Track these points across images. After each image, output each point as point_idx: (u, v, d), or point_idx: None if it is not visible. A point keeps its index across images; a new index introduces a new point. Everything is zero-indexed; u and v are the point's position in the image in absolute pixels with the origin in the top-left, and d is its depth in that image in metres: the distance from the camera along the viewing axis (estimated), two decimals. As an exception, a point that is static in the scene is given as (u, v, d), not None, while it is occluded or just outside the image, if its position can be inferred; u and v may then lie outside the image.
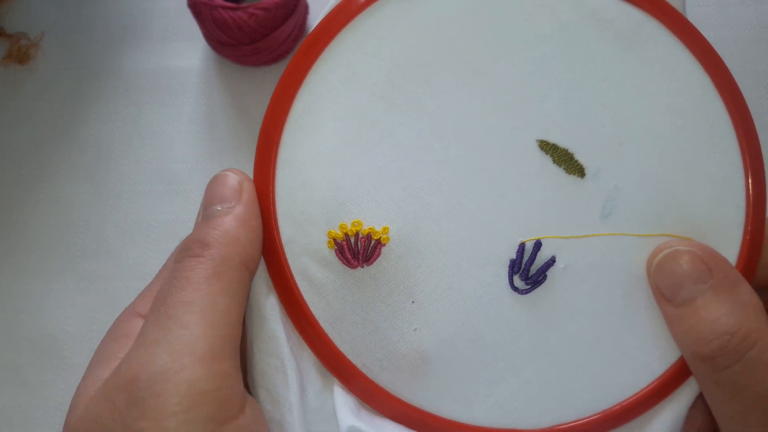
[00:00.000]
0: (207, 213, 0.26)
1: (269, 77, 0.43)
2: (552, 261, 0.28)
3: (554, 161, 0.28)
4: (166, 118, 0.44)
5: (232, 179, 0.27)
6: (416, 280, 0.28)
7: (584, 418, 0.28)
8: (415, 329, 0.28)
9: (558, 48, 0.28)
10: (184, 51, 0.45)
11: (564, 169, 0.28)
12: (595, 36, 0.28)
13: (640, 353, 0.28)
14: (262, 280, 0.28)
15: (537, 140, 0.28)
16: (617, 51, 0.28)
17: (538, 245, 0.28)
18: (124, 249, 0.42)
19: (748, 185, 0.28)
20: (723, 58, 0.34)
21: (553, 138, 0.28)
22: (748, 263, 0.28)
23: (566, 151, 0.28)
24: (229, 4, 0.39)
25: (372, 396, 0.28)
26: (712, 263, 0.26)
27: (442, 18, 0.28)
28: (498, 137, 0.28)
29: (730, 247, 0.28)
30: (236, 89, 0.44)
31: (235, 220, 0.26)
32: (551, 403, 0.28)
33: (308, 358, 0.28)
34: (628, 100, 0.28)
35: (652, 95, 0.28)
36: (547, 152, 0.28)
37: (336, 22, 0.28)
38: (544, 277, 0.28)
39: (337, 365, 0.28)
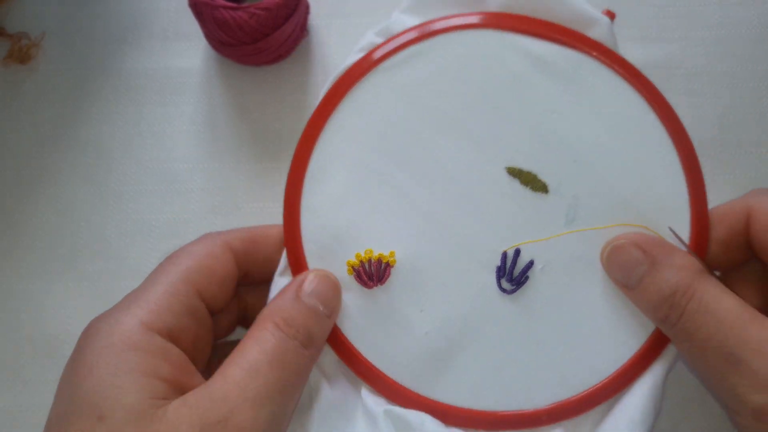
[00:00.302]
0: (310, 302, 0.31)
1: (270, 77, 0.43)
2: (531, 264, 0.34)
3: (522, 182, 0.34)
4: (167, 118, 0.44)
5: (338, 285, 0.33)
6: (422, 292, 0.34)
7: (578, 395, 0.33)
8: (426, 333, 0.33)
9: (513, 92, 0.35)
10: (185, 51, 0.45)
11: (530, 188, 0.34)
12: (542, 77, 0.35)
13: (618, 332, 0.33)
14: None
15: (505, 167, 0.34)
16: (562, 86, 0.35)
17: (517, 252, 0.34)
18: (125, 249, 0.42)
19: (687, 176, 0.34)
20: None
21: (518, 164, 0.34)
22: (700, 241, 0.34)
23: (530, 173, 0.34)
24: (230, 3, 0.39)
25: (397, 394, 0.33)
26: (644, 245, 0.31)
27: (418, 81, 0.35)
28: (474, 170, 0.34)
29: (680, 230, 0.34)
30: (237, 89, 0.44)
31: (331, 326, 0.32)
32: (548, 384, 0.33)
33: (332, 363, 0.34)
34: (575, 124, 0.35)
35: (595, 117, 0.35)
36: (515, 176, 0.34)
37: (337, 93, 0.35)
38: (527, 278, 0.33)
39: (365, 371, 0.33)
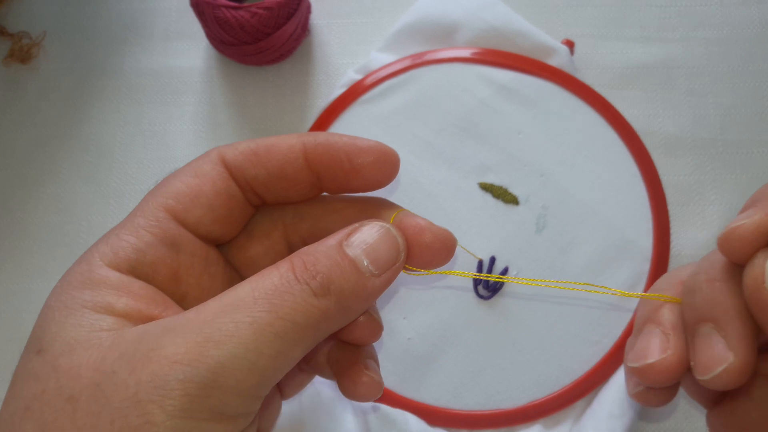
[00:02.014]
0: (352, 253, 0.23)
1: (271, 77, 0.43)
2: (505, 270, 0.36)
3: (494, 196, 0.37)
4: (169, 118, 0.44)
5: (399, 244, 0.25)
6: (405, 301, 0.35)
7: (554, 393, 0.34)
8: (409, 338, 0.35)
9: (481, 116, 0.38)
10: (187, 50, 0.45)
11: (502, 200, 0.37)
12: (507, 103, 0.38)
13: (590, 333, 0.35)
14: None
15: (478, 183, 0.37)
16: (525, 110, 0.38)
17: (492, 260, 0.36)
18: (126, 248, 0.42)
19: (646, 184, 0.38)
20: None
21: (489, 180, 0.37)
22: (661, 240, 0.37)
23: (501, 187, 0.37)
24: (231, 3, 0.39)
25: (383, 396, 0.34)
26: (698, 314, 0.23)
27: (393, 110, 0.38)
28: (449, 186, 0.37)
29: (643, 235, 0.37)
30: (238, 89, 0.44)
31: (380, 289, 0.24)
32: (525, 384, 0.35)
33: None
34: (540, 142, 0.38)
35: (558, 135, 0.38)
36: (487, 191, 0.37)
37: (322, 125, 0.38)
38: (502, 284, 0.36)
39: None
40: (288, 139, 0.25)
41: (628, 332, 0.35)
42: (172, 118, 0.44)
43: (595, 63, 0.44)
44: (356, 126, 0.39)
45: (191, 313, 0.21)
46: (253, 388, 0.20)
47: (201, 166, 0.25)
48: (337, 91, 0.40)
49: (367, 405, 0.33)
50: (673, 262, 0.40)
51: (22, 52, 0.44)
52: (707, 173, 0.42)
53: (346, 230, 0.24)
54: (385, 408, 0.33)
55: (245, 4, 0.40)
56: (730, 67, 0.44)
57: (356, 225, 0.24)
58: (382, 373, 0.31)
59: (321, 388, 0.34)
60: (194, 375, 0.19)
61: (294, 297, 0.21)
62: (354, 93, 0.39)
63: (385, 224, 0.25)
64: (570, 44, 0.41)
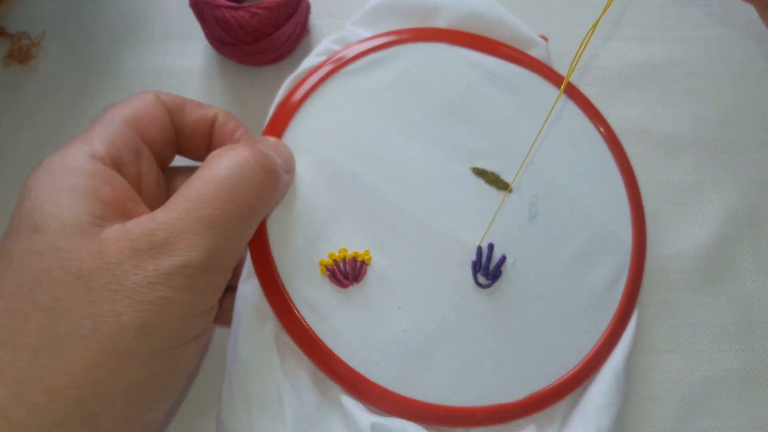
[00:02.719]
0: (287, 163, 0.31)
1: (271, 77, 0.43)
2: (503, 258, 0.34)
3: (486, 182, 0.36)
4: (168, 118, 0.44)
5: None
6: (399, 290, 0.33)
7: (551, 384, 0.34)
8: (404, 330, 0.33)
9: (470, 99, 0.37)
10: (186, 50, 0.45)
11: (495, 187, 0.36)
12: (494, 88, 0.38)
13: (582, 322, 0.35)
14: (253, 311, 0.32)
15: (470, 167, 0.36)
16: (512, 98, 0.38)
17: (491, 247, 0.34)
18: (126, 249, 0.42)
19: (623, 178, 0.38)
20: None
21: (481, 165, 0.36)
22: (640, 232, 0.38)
23: (493, 173, 0.36)
24: (231, 3, 0.39)
25: (377, 397, 0.32)
26: None
27: (381, 85, 0.36)
28: (441, 169, 0.35)
29: (623, 227, 0.37)
30: (238, 89, 0.44)
31: (288, 185, 0.33)
32: (523, 376, 0.34)
33: (304, 377, 0.32)
34: (527, 132, 0.37)
35: (545, 126, 0.37)
36: (479, 176, 0.36)
37: (300, 93, 0.36)
38: (500, 272, 0.34)
39: (342, 375, 0.32)
40: (205, 108, 0.33)
41: (615, 323, 0.35)
42: (171, 119, 0.44)
43: (595, 63, 0.44)
44: (341, 98, 0.36)
45: (162, 211, 0.25)
46: (230, 268, 0.26)
47: (145, 97, 0.30)
48: (314, 59, 0.37)
49: (363, 420, 0.31)
50: (673, 262, 0.40)
51: (22, 53, 0.44)
52: (707, 173, 0.42)
53: (253, 139, 0.31)
54: (381, 422, 0.31)
55: (245, 4, 0.40)
56: (730, 67, 0.44)
57: (259, 138, 0.32)
58: (376, 370, 0.32)
59: (304, 405, 0.31)
60: (190, 260, 0.24)
61: (250, 172, 0.27)
62: (336, 62, 0.37)
63: (277, 139, 0.32)
64: (545, 39, 0.41)
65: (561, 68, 0.41)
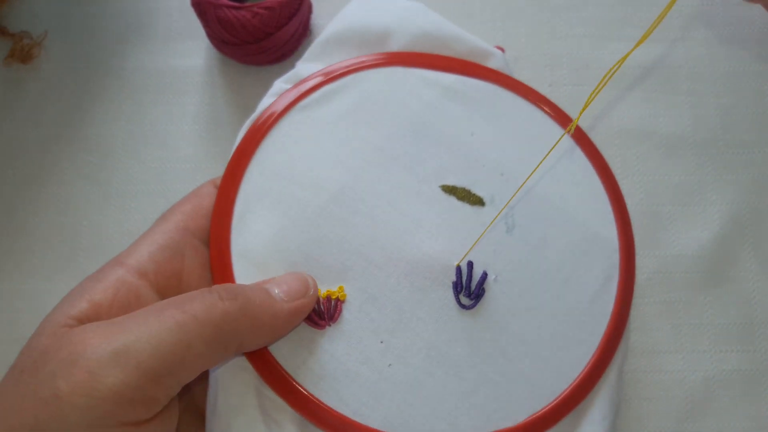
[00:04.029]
0: (263, 285, 0.30)
1: (273, 77, 0.43)
2: (485, 275, 0.33)
3: (458, 198, 0.35)
4: (170, 118, 0.44)
5: (307, 279, 0.31)
6: (380, 322, 0.32)
7: (552, 402, 0.32)
8: (389, 365, 0.31)
9: (431, 118, 0.36)
10: (188, 50, 0.45)
11: (467, 202, 0.35)
12: (454, 104, 0.37)
13: (575, 332, 0.33)
14: (230, 365, 0.31)
15: (439, 186, 0.35)
16: (474, 111, 0.37)
17: (470, 265, 0.33)
18: (128, 248, 0.42)
19: (599, 174, 0.37)
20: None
21: (450, 182, 0.35)
22: (624, 228, 0.36)
23: (464, 189, 0.35)
24: (233, 3, 0.39)
25: None
26: None
27: (336, 115, 0.35)
28: (409, 191, 0.34)
29: (606, 226, 0.36)
30: (240, 89, 0.44)
31: (286, 311, 0.30)
32: (522, 396, 0.32)
33: (290, 429, 0.30)
34: (494, 142, 0.36)
35: (509, 135, 0.37)
36: (450, 193, 0.35)
37: (257, 133, 0.34)
38: (483, 290, 0.33)
39: (329, 421, 0.30)
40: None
41: (612, 327, 0.33)
42: (173, 118, 0.44)
43: (596, 63, 0.44)
44: (300, 132, 0.35)
45: (119, 317, 0.25)
46: (153, 371, 0.23)
47: (203, 191, 0.32)
48: (267, 99, 0.36)
49: None
50: (676, 263, 0.40)
51: (23, 52, 0.44)
52: (708, 173, 0.42)
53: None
54: None
55: (246, 3, 0.40)
56: (731, 68, 0.44)
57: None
58: (364, 411, 0.30)
59: None
60: (99, 354, 0.23)
61: (202, 300, 0.26)
62: (291, 98, 0.36)
63: (297, 272, 0.31)
64: (502, 50, 0.40)
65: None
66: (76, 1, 0.46)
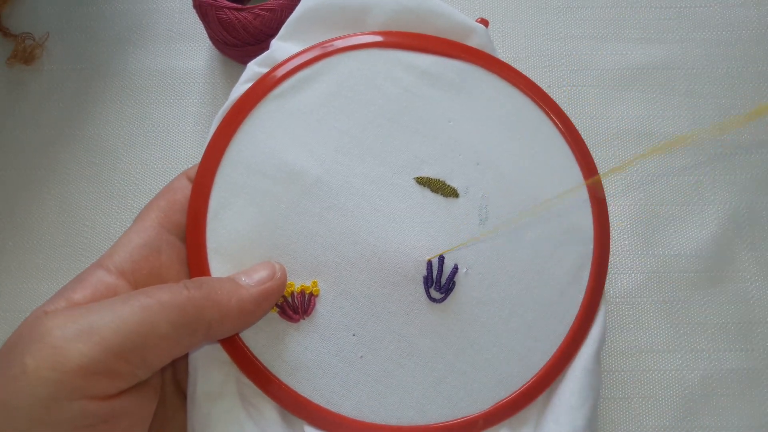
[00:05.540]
0: (234, 276, 0.31)
1: (274, 77, 0.44)
2: (456, 269, 0.33)
3: (432, 190, 0.34)
4: (171, 119, 0.44)
5: (277, 268, 0.32)
6: (352, 316, 0.33)
7: (517, 390, 0.33)
8: (361, 356, 0.32)
9: (406, 105, 0.35)
10: (189, 51, 0.45)
11: (441, 194, 0.34)
12: (432, 89, 0.36)
13: (544, 322, 0.34)
14: (208, 357, 0.32)
15: (414, 178, 0.34)
16: (451, 95, 0.36)
17: (441, 259, 0.33)
18: (129, 248, 0.42)
19: (579, 163, 0.36)
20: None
21: (425, 173, 0.35)
22: (600, 219, 0.35)
23: (438, 180, 0.35)
24: (234, 5, 0.40)
25: (340, 426, 0.32)
26: None
27: (310, 105, 0.35)
28: (383, 184, 0.34)
29: (583, 216, 0.35)
30: (241, 89, 0.44)
31: (255, 293, 0.31)
32: (488, 385, 0.33)
33: (270, 414, 0.32)
34: (471, 129, 0.35)
35: (488, 120, 0.35)
36: (424, 185, 0.34)
37: (230, 126, 0.34)
38: (454, 284, 0.33)
39: (302, 408, 0.31)
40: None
41: (582, 317, 0.34)
42: (174, 119, 0.44)
43: (595, 64, 0.44)
44: (273, 123, 0.34)
45: (90, 304, 0.26)
46: (117, 346, 0.24)
47: (177, 184, 0.32)
48: (241, 86, 0.35)
49: None
50: (673, 262, 0.40)
51: (26, 53, 0.44)
52: (706, 174, 0.42)
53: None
54: None
55: (248, 5, 0.40)
56: (729, 69, 0.44)
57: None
58: (336, 399, 0.32)
59: None
60: (64, 331, 0.24)
61: (169, 288, 0.27)
62: (263, 87, 0.35)
63: (265, 261, 0.32)
64: (485, 23, 0.39)
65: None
66: (78, 2, 0.46)
